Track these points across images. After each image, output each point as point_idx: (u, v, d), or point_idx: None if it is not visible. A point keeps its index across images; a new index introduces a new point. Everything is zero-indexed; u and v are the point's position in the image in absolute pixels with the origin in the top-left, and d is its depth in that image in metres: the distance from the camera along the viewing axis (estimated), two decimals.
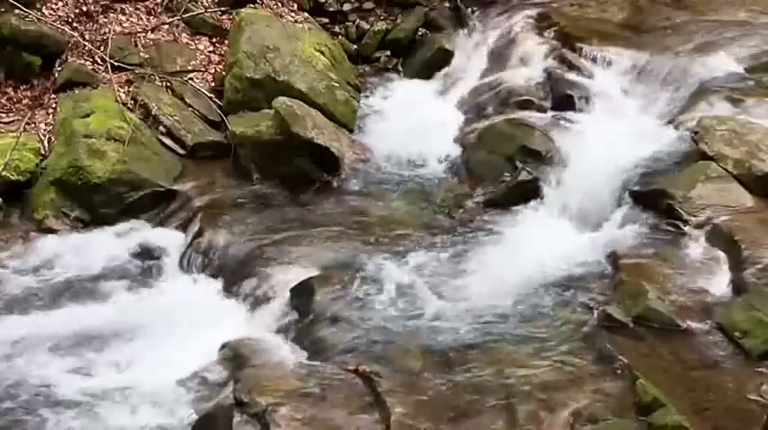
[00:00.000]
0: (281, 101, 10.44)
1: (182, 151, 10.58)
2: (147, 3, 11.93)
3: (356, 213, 9.94)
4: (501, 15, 12.24)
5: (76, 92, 10.80)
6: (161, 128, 10.63)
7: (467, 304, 8.49)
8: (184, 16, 11.80)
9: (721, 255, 8.62)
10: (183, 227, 9.87)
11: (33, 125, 10.55)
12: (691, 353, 7.78)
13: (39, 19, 11.08)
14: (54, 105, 10.75)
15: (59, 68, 11.02)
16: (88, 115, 10.40)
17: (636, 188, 9.44)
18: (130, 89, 10.91)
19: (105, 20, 11.53)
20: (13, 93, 10.91)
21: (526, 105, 10.83)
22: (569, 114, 10.54)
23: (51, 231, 9.80)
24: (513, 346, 7.93)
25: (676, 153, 9.70)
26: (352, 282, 8.74)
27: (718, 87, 10.30)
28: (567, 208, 9.69)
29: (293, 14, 12.21)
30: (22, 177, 10.11)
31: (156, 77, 11.12)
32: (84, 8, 11.50)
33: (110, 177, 9.95)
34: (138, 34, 11.57)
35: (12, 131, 10.37)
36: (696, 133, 9.60)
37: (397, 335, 8.14)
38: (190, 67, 11.44)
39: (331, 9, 12.63)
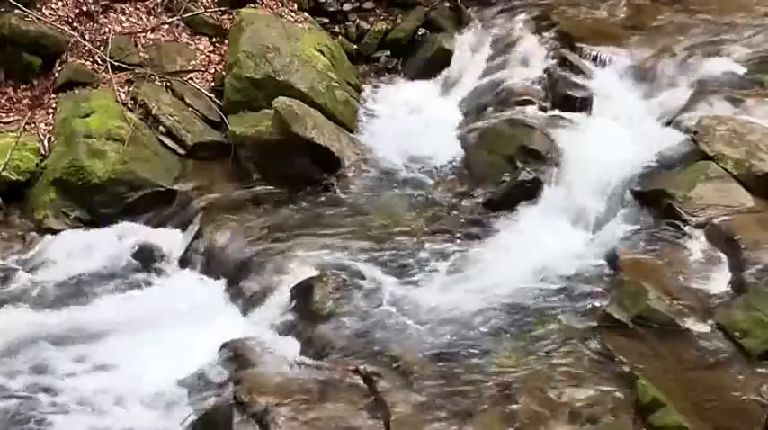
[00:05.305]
0: (281, 101, 10.44)
1: (182, 151, 10.57)
2: (147, 3, 11.91)
3: (356, 213, 9.94)
4: (501, 15, 12.22)
5: (76, 92, 10.79)
6: (161, 128, 10.62)
7: (467, 304, 8.49)
8: (184, 16, 11.78)
9: (721, 255, 8.63)
10: (183, 227, 9.86)
11: (33, 125, 10.55)
12: (691, 353, 7.78)
13: (39, 19, 11.07)
14: (54, 105, 10.74)
15: (59, 68, 11.01)
16: (88, 115, 10.40)
17: (636, 188, 9.46)
18: (130, 89, 10.90)
19: (105, 20, 11.51)
20: (13, 93, 10.90)
21: (526, 105, 10.81)
22: (569, 114, 10.53)
23: (51, 231, 9.79)
24: (512, 346, 7.95)
25: (676, 153, 9.71)
26: (352, 282, 8.74)
27: (718, 87, 10.30)
28: (568, 208, 9.69)
29: (293, 14, 12.19)
30: (22, 177, 10.11)
31: (156, 77, 11.11)
32: (84, 8, 11.48)
33: (110, 177, 9.96)
34: (138, 34, 11.56)
35: (12, 131, 10.37)
36: (696, 133, 9.61)
37: (396, 335, 8.14)
38: (190, 67, 11.42)
39: (331, 9, 12.59)
